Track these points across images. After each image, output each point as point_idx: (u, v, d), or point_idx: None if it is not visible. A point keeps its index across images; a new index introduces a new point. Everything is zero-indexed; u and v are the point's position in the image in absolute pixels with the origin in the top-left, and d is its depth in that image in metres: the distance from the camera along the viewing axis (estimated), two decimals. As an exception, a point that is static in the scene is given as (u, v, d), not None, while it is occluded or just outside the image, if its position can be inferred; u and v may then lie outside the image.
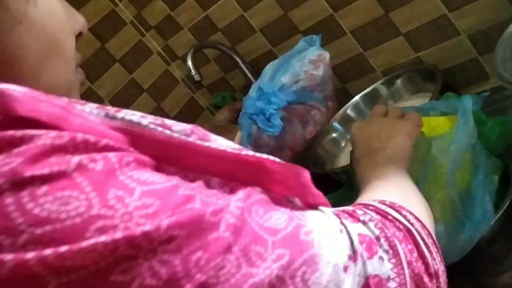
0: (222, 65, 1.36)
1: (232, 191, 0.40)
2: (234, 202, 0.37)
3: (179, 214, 0.33)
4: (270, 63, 1.07)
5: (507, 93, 0.66)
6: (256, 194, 0.41)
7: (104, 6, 1.34)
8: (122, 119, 0.38)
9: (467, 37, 0.97)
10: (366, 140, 0.73)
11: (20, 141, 0.32)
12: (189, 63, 1.21)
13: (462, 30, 0.97)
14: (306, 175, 0.45)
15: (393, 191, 0.57)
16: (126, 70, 1.40)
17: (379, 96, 1.10)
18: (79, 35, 0.48)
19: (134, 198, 0.33)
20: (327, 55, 1.00)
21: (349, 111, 1.12)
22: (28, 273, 0.29)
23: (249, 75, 1.28)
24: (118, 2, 1.36)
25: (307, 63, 1.00)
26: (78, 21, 0.48)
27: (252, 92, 1.04)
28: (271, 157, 0.44)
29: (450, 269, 0.51)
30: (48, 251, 0.29)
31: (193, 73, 1.20)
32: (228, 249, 0.34)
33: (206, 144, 0.41)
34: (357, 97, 1.12)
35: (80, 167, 0.32)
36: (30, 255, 0.29)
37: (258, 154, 0.43)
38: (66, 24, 0.45)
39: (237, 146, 0.43)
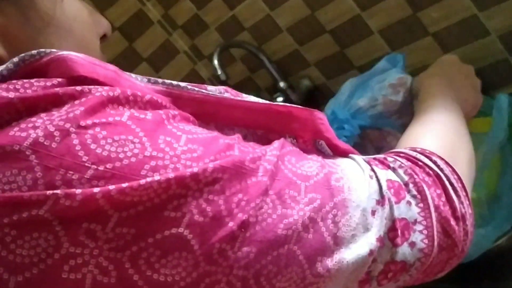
0: (249, 64, 1.36)
1: (266, 142, 0.44)
2: (270, 151, 0.41)
3: (222, 159, 0.37)
4: (349, 81, 1.00)
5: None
6: (289, 145, 0.45)
7: (132, 6, 1.35)
8: (163, 83, 0.43)
9: (497, 37, 0.95)
10: (451, 76, 0.76)
11: (81, 94, 0.36)
12: (215, 62, 1.21)
13: (492, 30, 0.95)
14: (326, 119, 0.51)
15: (436, 137, 0.58)
16: (153, 69, 1.41)
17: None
18: (103, 37, 0.54)
19: (181, 143, 0.37)
20: (408, 79, 0.91)
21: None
22: (94, 207, 0.33)
23: (275, 74, 1.28)
24: (145, 1, 1.37)
25: (386, 86, 0.92)
26: (102, 24, 0.54)
27: (328, 109, 0.98)
28: (297, 106, 0.49)
29: (476, 273, 0.51)
30: (111, 187, 0.33)
31: (219, 73, 1.21)
32: (265, 192, 0.38)
33: (239, 98, 0.47)
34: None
35: (133, 117, 0.37)
36: (96, 189, 0.33)
37: (286, 104, 0.48)
38: (91, 26, 0.51)
39: (267, 101, 0.49)
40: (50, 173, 0.33)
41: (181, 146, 0.37)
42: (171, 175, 0.35)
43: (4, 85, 0.36)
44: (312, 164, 0.43)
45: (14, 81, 0.37)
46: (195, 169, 0.35)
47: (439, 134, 0.59)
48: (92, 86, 0.37)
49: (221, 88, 0.48)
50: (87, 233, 0.33)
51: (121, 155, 0.35)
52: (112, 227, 0.33)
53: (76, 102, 0.36)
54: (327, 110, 1.01)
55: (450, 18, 0.98)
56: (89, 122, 0.35)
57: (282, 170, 0.40)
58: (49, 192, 0.32)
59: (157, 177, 0.34)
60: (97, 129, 0.35)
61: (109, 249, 0.33)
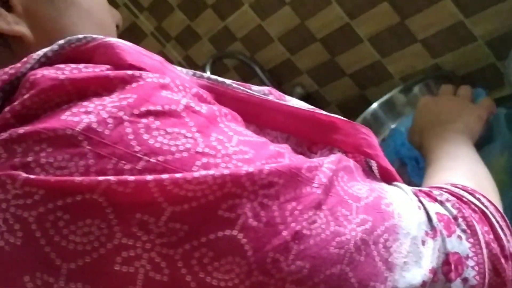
0: (242, 74, 1.38)
1: (308, 151, 0.43)
2: (327, 163, 0.39)
3: (276, 163, 0.36)
4: None
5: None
6: (345, 161, 0.43)
7: (125, 19, 1.36)
8: (208, 78, 0.42)
9: (484, 43, 0.96)
10: (436, 113, 0.75)
11: (131, 78, 0.35)
12: (208, 72, 1.22)
13: (479, 35, 0.96)
14: (372, 135, 0.49)
15: (466, 173, 0.57)
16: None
17: (397, 103, 1.10)
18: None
19: (232, 144, 0.35)
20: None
21: (368, 118, 1.12)
22: (148, 197, 0.32)
23: (268, 83, 1.29)
24: (138, 14, 1.38)
25: None
26: (114, 14, 0.54)
27: (401, 126, 0.96)
28: (341, 117, 0.47)
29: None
30: (164, 176, 0.32)
31: (213, 83, 1.22)
32: (318, 205, 0.36)
33: (283, 102, 0.45)
34: (375, 105, 1.12)
35: (187, 108, 0.36)
36: (149, 177, 0.32)
37: (329, 114, 0.46)
38: (108, 11, 0.51)
39: (310, 106, 0.47)
40: (102, 161, 0.32)
41: (233, 147, 0.35)
42: (226, 171, 0.33)
43: (51, 69, 0.35)
44: (361, 187, 0.41)
45: (61, 66, 0.36)
46: (251, 169, 0.34)
47: (471, 170, 0.58)
48: (142, 72, 0.36)
49: (265, 89, 0.46)
50: (140, 225, 0.32)
51: (173, 149, 0.33)
52: (165, 221, 0.32)
53: (127, 87, 0.35)
54: (400, 126, 0.98)
55: (437, 25, 0.99)
56: (143, 109, 0.34)
57: (335, 186, 0.39)
58: (101, 177, 0.32)
59: (211, 171, 0.33)
60: (151, 118, 0.34)
61: (162, 244, 0.32)
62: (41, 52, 0.38)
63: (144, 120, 0.34)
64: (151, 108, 0.34)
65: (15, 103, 0.34)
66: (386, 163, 0.49)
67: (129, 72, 0.36)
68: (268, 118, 0.44)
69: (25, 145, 0.33)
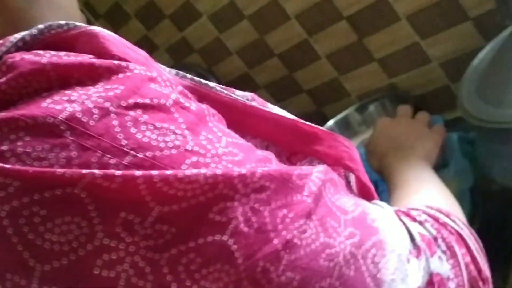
0: (199, 85, 1.36)
1: (287, 161, 0.42)
2: (316, 172, 0.38)
3: (267, 167, 0.34)
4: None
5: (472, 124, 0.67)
6: (331, 173, 0.41)
7: (80, 26, 1.33)
8: (192, 79, 0.41)
9: (438, 65, 0.98)
10: (394, 137, 0.75)
11: (118, 69, 0.33)
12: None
13: (434, 57, 0.97)
14: (354, 148, 0.47)
15: (436, 195, 0.56)
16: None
17: (352, 122, 1.10)
18: None
19: (222, 144, 0.34)
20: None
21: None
22: (135, 195, 0.29)
23: (225, 96, 1.28)
24: (94, 21, 1.35)
25: None
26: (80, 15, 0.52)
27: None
28: (323, 128, 0.46)
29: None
30: (154, 172, 0.30)
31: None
32: (309, 215, 0.34)
33: (266, 109, 0.43)
34: (331, 122, 1.12)
35: (176, 104, 0.34)
36: (138, 173, 0.29)
37: (312, 124, 0.45)
38: (76, 4, 0.48)
39: (292, 116, 0.46)
40: (86, 154, 0.29)
41: (222, 147, 0.33)
42: (219, 171, 0.31)
43: (29, 54, 0.32)
44: (347, 200, 0.40)
45: (40, 52, 0.33)
46: (243, 171, 0.32)
47: (440, 193, 0.57)
48: (129, 63, 0.34)
49: (249, 94, 0.44)
50: (124, 225, 0.29)
51: (162, 145, 0.31)
52: (151, 222, 0.29)
53: (114, 77, 0.33)
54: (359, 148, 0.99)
55: (394, 45, 1.00)
56: (130, 101, 0.32)
57: (324, 197, 0.37)
58: (85, 170, 0.29)
59: (203, 170, 0.31)
60: (139, 111, 0.32)
61: (147, 247, 0.29)
62: (18, 35, 0.35)
63: (131, 113, 0.31)
64: (139, 100, 0.32)
65: None
66: (366, 179, 0.48)
67: (116, 62, 0.33)
68: (250, 124, 0.43)
69: (0, 133, 0.30)
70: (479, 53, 0.76)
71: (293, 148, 0.45)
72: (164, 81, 0.35)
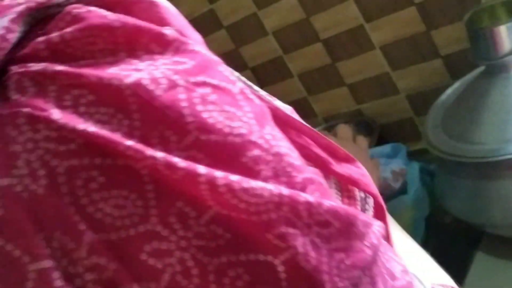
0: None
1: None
2: (376, 226, 0.34)
3: (332, 201, 0.31)
4: None
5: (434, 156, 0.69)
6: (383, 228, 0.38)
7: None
8: (238, 77, 0.38)
9: (405, 97, 1.01)
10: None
11: (184, 44, 0.31)
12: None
13: (402, 89, 1.01)
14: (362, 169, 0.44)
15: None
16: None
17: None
18: None
19: (284, 144, 0.31)
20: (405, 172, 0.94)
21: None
22: (195, 191, 0.27)
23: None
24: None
25: (389, 171, 0.93)
26: None
27: None
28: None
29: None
30: (219, 174, 0.27)
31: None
32: (364, 269, 0.31)
33: (305, 124, 0.41)
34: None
35: (242, 93, 0.31)
36: (201, 170, 0.27)
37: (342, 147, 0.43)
38: None
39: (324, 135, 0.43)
40: (148, 125, 0.27)
41: (285, 148, 0.31)
42: (285, 192, 0.29)
43: (94, 8, 0.30)
44: (396, 264, 0.36)
45: (101, 10, 0.30)
46: (310, 199, 0.29)
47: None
48: (193, 41, 0.31)
49: (288, 107, 0.42)
50: (179, 216, 0.27)
51: (227, 129, 0.28)
52: (207, 220, 0.28)
53: (182, 51, 0.30)
54: None
55: (365, 72, 1.03)
56: (199, 79, 0.29)
57: (379, 255, 0.34)
58: (148, 151, 0.27)
59: (270, 186, 0.28)
60: (207, 89, 0.29)
61: (198, 247, 0.27)
62: None
63: (200, 90, 0.29)
64: (208, 80, 0.30)
65: (53, 35, 0.29)
66: (381, 201, 0.45)
67: (182, 38, 0.31)
68: (289, 136, 0.39)
69: (61, 86, 0.28)
70: (448, 89, 0.79)
71: (325, 167, 0.42)
72: (227, 68, 0.33)
